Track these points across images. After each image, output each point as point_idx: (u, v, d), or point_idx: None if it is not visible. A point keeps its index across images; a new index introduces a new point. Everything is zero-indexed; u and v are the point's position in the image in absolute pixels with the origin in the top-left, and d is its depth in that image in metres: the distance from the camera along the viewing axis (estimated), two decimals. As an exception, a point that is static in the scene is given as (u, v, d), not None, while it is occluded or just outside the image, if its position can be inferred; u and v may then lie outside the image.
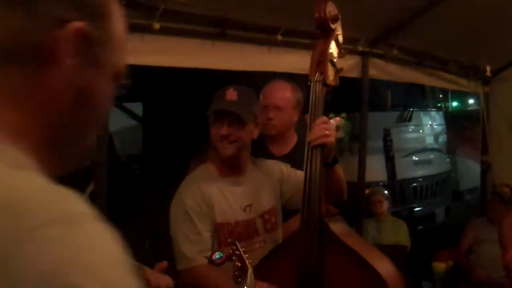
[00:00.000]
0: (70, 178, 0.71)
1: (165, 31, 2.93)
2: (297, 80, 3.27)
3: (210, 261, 2.09)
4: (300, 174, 2.48)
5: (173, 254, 2.37)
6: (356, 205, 4.36)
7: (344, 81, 3.99)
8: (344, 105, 5.66)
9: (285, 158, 2.79)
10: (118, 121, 6.50)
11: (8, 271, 0.54)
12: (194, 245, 2.27)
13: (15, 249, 0.55)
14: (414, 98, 7.08)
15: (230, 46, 3.35)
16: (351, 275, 2.10)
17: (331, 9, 2.20)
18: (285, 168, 2.56)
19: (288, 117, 3.03)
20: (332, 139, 2.20)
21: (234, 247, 2.03)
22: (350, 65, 4.07)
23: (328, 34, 2.23)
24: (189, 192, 2.37)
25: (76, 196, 0.63)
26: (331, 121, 5.18)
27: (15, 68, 0.69)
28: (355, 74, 4.18)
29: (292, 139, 3.06)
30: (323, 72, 2.21)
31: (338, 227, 2.20)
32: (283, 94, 3.02)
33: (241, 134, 2.34)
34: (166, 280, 1.83)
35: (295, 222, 2.29)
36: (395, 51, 4.29)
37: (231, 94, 2.33)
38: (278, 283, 2.16)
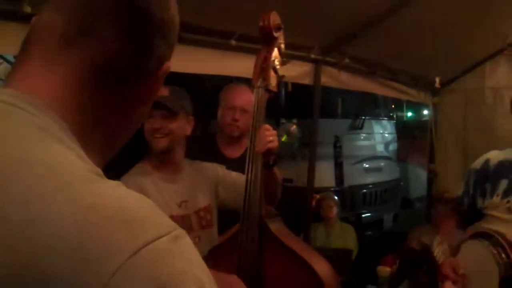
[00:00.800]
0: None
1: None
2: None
3: None
4: (234, 175, 2.58)
5: None
6: (305, 209, 4.46)
7: (297, 88, 4.11)
8: (296, 111, 5.76)
9: (236, 161, 2.87)
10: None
11: (126, 277, 0.58)
12: None
13: (130, 258, 0.59)
14: (366, 106, 7.21)
15: (186, 49, 3.40)
16: (289, 272, 2.17)
17: (274, 19, 2.28)
18: (220, 170, 2.66)
19: (250, 121, 3.12)
20: (275, 144, 2.30)
21: None
22: (303, 72, 4.18)
23: (271, 42, 2.30)
24: (126, 184, 2.40)
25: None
26: (293, 126, 5.24)
27: (117, 84, 0.78)
28: (307, 81, 4.28)
29: (244, 144, 3.15)
30: (266, 79, 2.28)
31: (276, 227, 2.27)
32: (249, 97, 3.09)
33: (172, 127, 2.43)
34: None
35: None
36: (347, 60, 4.40)
37: (163, 90, 2.41)
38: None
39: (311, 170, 4.40)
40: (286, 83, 4.23)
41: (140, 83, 0.80)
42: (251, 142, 2.33)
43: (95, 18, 0.74)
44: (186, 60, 3.44)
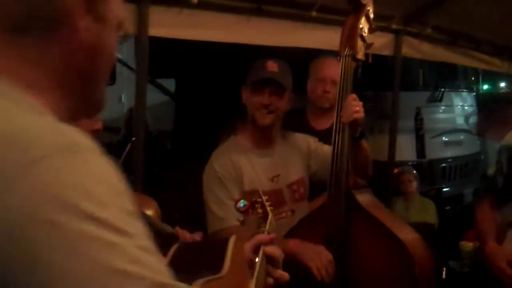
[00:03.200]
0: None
1: (202, 6, 2.99)
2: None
3: (236, 209, 2.13)
4: (326, 148, 2.53)
5: (205, 222, 2.44)
6: (385, 183, 4.39)
7: (374, 59, 4.02)
8: (372, 83, 5.63)
9: (324, 133, 2.84)
10: (149, 97, 6.56)
11: (8, 196, 0.61)
12: (226, 207, 2.31)
13: (16, 178, 0.61)
14: (445, 78, 7.00)
15: (265, 22, 3.40)
16: (377, 244, 2.15)
17: None
18: (312, 142, 2.62)
19: None
20: (362, 114, 2.26)
21: (257, 196, 2.09)
22: (383, 43, 4.09)
23: (359, 9, 2.26)
24: (220, 160, 2.43)
25: (81, 132, 0.70)
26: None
27: (30, 35, 0.76)
28: (387, 52, 4.19)
29: (333, 116, 3.13)
30: (353, 47, 2.24)
31: (365, 198, 2.25)
32: (338, 70, 3.07)
33: (280, 104, 2.40)
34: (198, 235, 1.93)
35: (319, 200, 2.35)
36: (429, 30, 4.27)
37: (272, 65, 2.40)
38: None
39: (392, 144, 4.32)
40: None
41: (57, 21, 0.77)
42: (337, 112, 2.30)
43: None
44: (265, 33, 3.44)
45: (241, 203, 2.08)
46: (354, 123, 2.26)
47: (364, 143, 2.42)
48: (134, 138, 3.04)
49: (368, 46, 2.29)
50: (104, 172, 0.67)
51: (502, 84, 13.95)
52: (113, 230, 0.62)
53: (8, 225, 0.60)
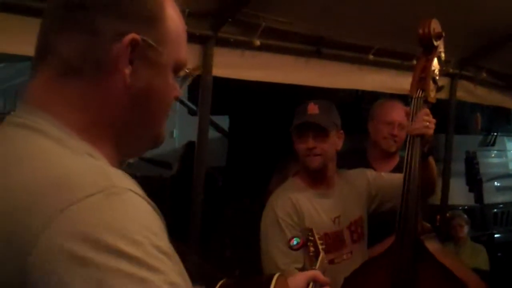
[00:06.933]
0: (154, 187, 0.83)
1: (264, 48, 3.06)
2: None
3: (288, 247, 2.11)
4: (385, 173, 2.52)
5: (259, 263, 2.40)
6: (437, 227, 4.32)
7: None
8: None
9: None
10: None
11: (47, 234, 0.66)
12: (286, 256, 2.28)
13: (56, 217, 0.66)
14: (498, 122, 6.91)
15: (323, 64, 3.44)
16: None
17: (435, 26, 2.23)
18: (369, 173, 2.62)
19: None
20: (431, 131, 2.22)
21: (310, 233, 2.08)
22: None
23: (431, 51, 2.25)
24: (280, 203, 2.41)
25: (126, 175, 0.76)
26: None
27: (80, 79, 0.82)
28: (442, 95, 4.17)
29: (396, 159, 3.12)
30: (425, 89, 2.23)
31: (433, 245, 2.21)
32: (404, 113, 3.08)
33: (325, 146, 2.40)
34: None
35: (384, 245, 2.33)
36: (484, 74, 4.26)
37: (313, 108, 2.41)
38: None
39: (446, 187, 4.27)
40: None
41: (103, 68, 0.82)
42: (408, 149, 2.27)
43: (48, 32, 0.84)
44: (323, 75, 3.49)
45: (295, 241, 2.08)
46: (422, 139, 2.23)
47: (432, 161, 2.39)
48: (194, 173, 3.07)
49: (439, 88, 2.28)
50: (140, 212, 0.72)
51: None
52: (145, 267, 0.67)
53: (45, 260, 0.65)
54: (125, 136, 0.87)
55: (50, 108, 0.81)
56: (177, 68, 0.90)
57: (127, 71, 0.82)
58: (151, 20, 0.85)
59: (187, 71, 0.96)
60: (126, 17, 0.82)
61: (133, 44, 0.82)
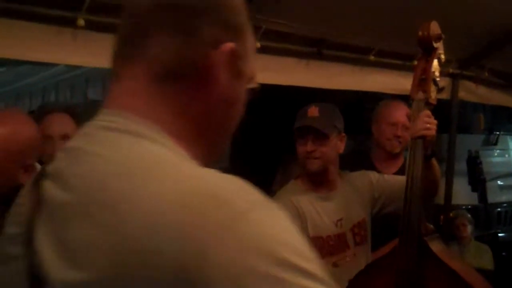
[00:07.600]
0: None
1: (264, 50, 3.05)
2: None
3: None
4: (387, 175, 2.51)
5: None
6: (440, 227, 4.31)
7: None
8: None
9: None
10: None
11: (219, 250, 0.63)
12: None
13: (222, 234, 0.64)
14: (500, 121, 6.91)
15: (324, 65, 3.44)
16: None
17: (434, 28, 2.22)
18: (372, 175, 2.60)
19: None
20: (433, 132, 2.21)
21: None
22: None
23: (431, 53, 2.24)
24: (281, 206, 2.41)
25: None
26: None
27: (179, 84, 0.81)
28: (444, 95, 4.16)
29: (401, 160, 3.11)
30: (426, 91, 2.22)
31: (437, 246, 2.20)
32: (407, 114, 3.06)
33: (325, 150, 2.39)
34: None
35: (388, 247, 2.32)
36: (486, 74, 4.25)
37: (313, 111, 2.40)
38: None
39: (449, 187, 4.26)
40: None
41: (202, 73, 0.81)
42: (410, 151, 2.26)
43: (138, 30, 0.82)
44: (324, 76, 3.48)
45: None
46: (424, 140, 2.21)
47: (435, 162, 2.39)
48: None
49: (440, 90, 2.27)
50: (291, 225, 0.71)
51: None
52: (325, 284, 0.67)
53: (223, 279, 0.63)
54: (213, 145, 0.87)
55: (145, 113, 0.79)
56: (250, 80, 0.90)
57: (223, 77, 0.82)
58: (242, 31, 0.86)
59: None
60: (224, 25, 0.82)
61: (231, 53, 0.82)
